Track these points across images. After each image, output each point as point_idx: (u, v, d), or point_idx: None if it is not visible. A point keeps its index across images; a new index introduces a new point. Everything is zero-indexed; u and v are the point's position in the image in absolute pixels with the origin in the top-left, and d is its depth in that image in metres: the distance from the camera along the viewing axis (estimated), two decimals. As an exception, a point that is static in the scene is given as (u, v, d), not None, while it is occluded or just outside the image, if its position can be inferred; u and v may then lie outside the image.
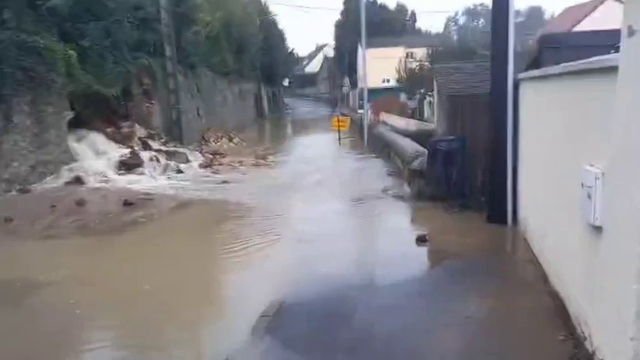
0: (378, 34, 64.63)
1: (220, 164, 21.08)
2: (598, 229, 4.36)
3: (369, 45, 43.72)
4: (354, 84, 61.76)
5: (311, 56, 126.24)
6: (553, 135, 6.56)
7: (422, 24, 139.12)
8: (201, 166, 20.61)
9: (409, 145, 15.66)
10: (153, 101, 23.52)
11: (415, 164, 13.07)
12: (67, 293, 7.65)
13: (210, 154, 22.85)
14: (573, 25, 37.69)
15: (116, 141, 19.45)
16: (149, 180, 17.28)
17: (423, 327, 5.82)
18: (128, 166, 17.86)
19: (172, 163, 19.58)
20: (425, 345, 5.41)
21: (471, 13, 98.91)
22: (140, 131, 21.45)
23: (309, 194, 14.48)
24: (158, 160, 19.18)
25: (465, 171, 11.27)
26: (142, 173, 17.82)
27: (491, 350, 5.25)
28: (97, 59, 19.52)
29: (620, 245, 3.74)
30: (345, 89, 79.82)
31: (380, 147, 22.13)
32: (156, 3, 24.12)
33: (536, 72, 8.01)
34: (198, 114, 30.15)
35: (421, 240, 9.10)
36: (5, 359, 5.85)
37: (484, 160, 10.49)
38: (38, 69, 15.60)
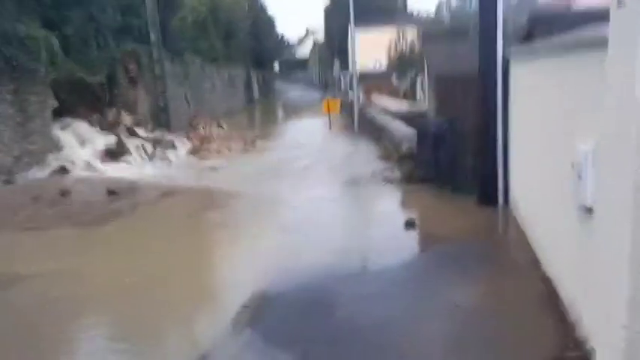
0: (368, 17, 64.26)
1: (208, 151, 20.79)
2: (589, 211, 4.15)
3: (359, 27, 43.40)
4: (344, 67, 61.40)
5: (301, 40, 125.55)
6: (543, 113, 6.35)
7: (414, 6, 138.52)
8: (188, 153, 20.37)
9: (399, 128, 15.48)
10: (139, 88, 23.20)
11: (404, 147, 12.86)
12: (46, 286, 7.44)
13: (198, 140, 22.55)
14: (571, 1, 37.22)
15: (101, 129, 19.09)
16: (135, 168, 17.00)
17: (410, 316, 5.63)
18: (114, 154, 17.56)
19: (159, 151, 19.28)
20: (411, 335, 5.21)
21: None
22: (126, 119, 21.11)
23: (297, 180, 14.23)
24: (144, 148, 18.89)
25: (454, 153, 11.04)
26: (127, 162, 17.52)
27: (480, 338, 5.06)
28: (81, 46, 19.29)
29: (611, 228, 3.52)
30: (335, 72, 79.46)
31: (371, 130, 21.89)
32: (140, -12, 23.77)
33: (524, 48, 7.80)
34: (186, 100, 29.82)
35: (409, 224, 8.90)
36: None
37: (474, 141, 10.26)
38: (21, 57, 15.27)
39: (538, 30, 9.21)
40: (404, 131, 14.24)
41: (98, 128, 18.99)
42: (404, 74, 42.85)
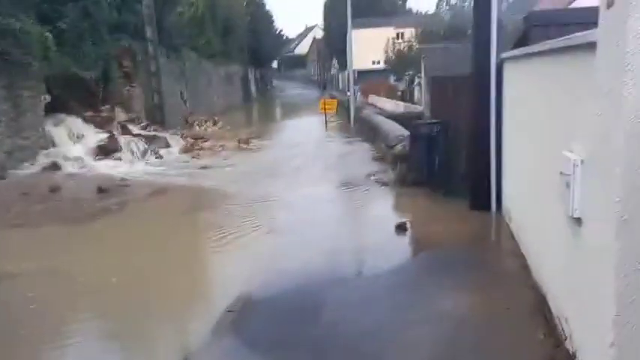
0: (367, 15, 64.14)
1: (201, 149, 20.66)
2: (577, 221, 4.03)
3: (359, 26, 43.16)
4: (343, 65, 61.32)
5: (300, 37, 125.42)
6: (533, 118, 6.26)
7: (413, 4, 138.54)
8: (181, 151, 20.24)
9: (393, 129, 15.35)
10: (134, 84, 23.11)
11: (398, 149, 12.75)
12: (29, 284, 7.35)
13: (192, 138, 22.43)
14: (569, 3, 37.01)
15: (95, 125, 19.02)
16: (126, 165, 16.93)
17: (395, 324, 5.50)
18: (106, 151, 17.47)
19: (151, 148, 19.16)
20: (395, 343, 5.09)
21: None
22: (120, 115, 21.06)
23: (290, 181, 14.08)
24: (137, 145, 18.77)
25: (448, 156, 10.93)
26: (119, 159, 17.45)
27: (465, 350, 4.94)
28: (75, 41, 19.11)
29: (599, 240, 3.41)
30: (333, 71, 79.37)
31: (366, 130, 21.78)
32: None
33: (517, 51, 7.68)
34: (181, 97, 29.75)
35: (401, 228, 8.79)
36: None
37: (467, 144, 10.15)
38: (14, 52, 15.14)
39: (533, 34, 9.11)
40: (398, 132, 14.10)
41: (91, 124, 18.87)
42: (402, 74, 42.79)
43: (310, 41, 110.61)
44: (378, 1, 76.08)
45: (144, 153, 18.65)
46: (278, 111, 51.87)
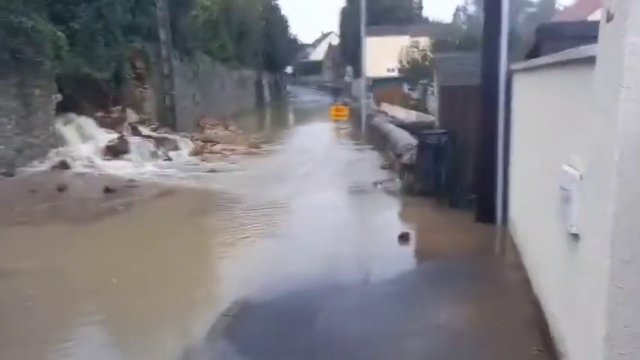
0: (383, 23, 64.15)
1: (211, 152, 20.66)
2: (575, 237, 3.97)
3: (374, 33, 43.02)
4: (357, 73, 61.35)
5: (316, 44, 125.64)
6: (538, 131, 6.20)
7: (430, 13, 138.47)
8: (191, 153, 20.25)
9: (403, 138, 15.29)
10: (146, 86, 23.19)
11: (406, 158, 12.68)
12: (28, 282, 7.37)
13: (202, 141, 22.44)
14: (587, 16, 36.87)
15: (105, 126, 19.12)
16: (135, 166, 16.96)
17: (391, 334, 5.44)
18: (115, 151, 17.53)
19: (161, 150, 19.21)
20: (389, 354, 5.04)
21: (481, 2, 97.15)
22: (131, 116, 21.12)
23: (297, 186, 14.05)
24: (146, 147, 18.81)
25: (455, 167, 10.86)
26: (128, 159, 17.48)
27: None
28: (88, 42, 19.17)
29: (593, 257, 3.35)
30: (347, 78, 79.36)
31: (376, 138, 21.73)
32: (150, -15, 23.77)
33: (523, 63, 7.62)
34: (194, 100, 29.81)
35: (403, 238, 8.73)
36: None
37: (475, 156, 10.08)
38: (26, 51, 15.23)
39: (544, 46, 9.03)
40: (407, 141, 14.04)
41: (102, 125, 18.95)
42: (416, 83, 42.69)
43: (326, 48, 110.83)
44: (394, 9, 76.21)
45: (153, 155, 18.69)
46: (290, 116, 51.92)
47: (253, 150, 21.53)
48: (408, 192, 11.96)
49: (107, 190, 12.91)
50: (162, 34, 24.14)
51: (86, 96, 18.84)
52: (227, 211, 11.55)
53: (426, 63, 40.66)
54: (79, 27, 18.66)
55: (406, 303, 6.33)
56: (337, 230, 9.85)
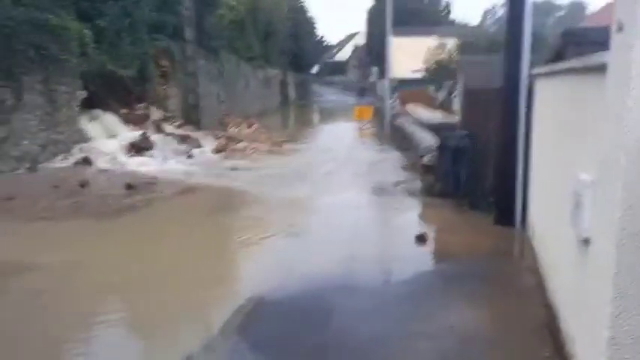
0: (410, 24, 63.96)
1: (233, 150, 20.76)
2: (586, 242, 3.95)
3: (400, 34, 42.74)
4: (382, 73, 61.33)
5: (342, 44, 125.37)
6: (555, 135, 6.16)
7: (458, 15, 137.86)
8: (213, 151, 20.35)
9: (425, 139, 15.24)
10: (170, 84, 23.36)
11: (426, 159, 12.65)
12: (51, 277, 7.50)
13: (225, 139, 22.54)
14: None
15: (129, 123, 19.32)
16: (157, 163, 17.09)
17: (402, 335, 5.43)
18: (138, 148, 17.68)
19: (184, 147, 19.36)
20: (399, 355, 5.04)
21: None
22: (155, 114, 21.32)
23: (317, 186, 14.07)
24: (169, 144, 18.97)
25: (475, 169, 10.81)
26: (151, 156, 17.65)
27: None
28: (114, 39, 19.40)
29: (601, 262, 3.34)
30: (373, 78, 79.23)
31: (399, 139, 21.70)
32: (177, -15, 23.95)
33: (544, 67, 7.58)
34: (218, 99, 29.95)
35: (420, 239, 8.70)
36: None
37: (495, 158, 10.02)
38: (51, 47, 15.45)
39: (568, 51, 8.94)
40: (429, 143, 14.00)
41: (126, 122, 19.13)
42: (441, 84, 42.50)
43: (352, 48, 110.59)
44: (421, 11, 75.92)
45: (176, 152, 18.83)
46: (314, 116, 51.92)
47: (276, 149, 21.60)
48: (428, 193, 11.95)
49: (129, 186, 13.04)
50: (188, 33, 24.32)
51: (111, 93, 19.05)
52: (247, 209, 11.66)
53: (452, 65, 40.47)
54: (105, 25, 18.87)
55: (419, 304, 6.32)
56: (355, 230, 9.84)
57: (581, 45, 8.86)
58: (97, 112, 18.36)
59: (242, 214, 11.42)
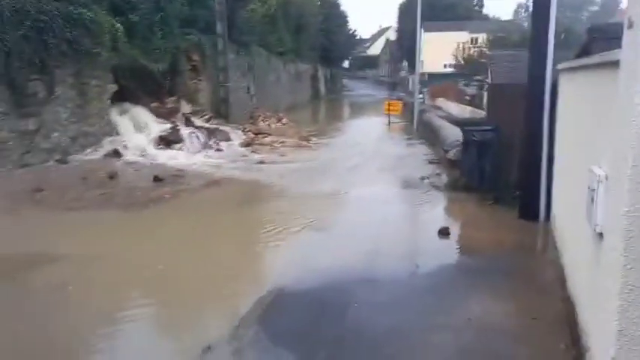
0: (442, 19, 63.70)
1: (261, 144, 20.87)
2: (600, 236, 3.95)
3: (432, 29, 42.57)
4: (413, 68, 61.18)
5: (373, 38, 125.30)
6: (575, 130, 6.15)
7: (490, 10, 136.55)
8: (241, 145, 20.51)
9: (452, 133, 15.21)
10: (201, 78, 23.54)
11: (452, 154, 12.63)
12: (76, 267, 7.65)
13: (253, 133, 22.67)
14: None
15: (159, 116, 19.51)
16: (186, 156, 17.30)
17: (420, 327, 5.48)
18: (167, 141, 17.88)
19: (212, 141, 19.54)
20: (417, 347, 5.09)
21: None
22: (185, 107, 21.51)
23: (343, 180, 14.08)
24: (198, 137, 19.14)
25: (499, 163, 10.77)
26: (180, 149, 17.84)
27: (482, 356, 4.90)
28: (146, 34, 19.57)
29: (612, 256, 3.36)
30: (404, 73, 79.02)
31: (427, 133, 21.66)
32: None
33: (567, 63, 7.55)
34: (248, 92, 30.11)
35: (443, 233, 8.72)
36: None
37: (520, 153, 9.97)
38: (84, 41, 15.63)
39: (595, 46, 8.86)
40: (457, 137, 13.95)
41: (156, 115, 19.33)
42: (471, 79, 42.25)
43: (383, 42, 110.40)
44: (453, 5, 75.49)
45: (204, 145, 19.01)
46: (344, 110, 51.94)
47: (304, 143, 21.68)
48: (453, 187, 11.97)
49: (156, 178, 13.21)
50: (219, 27, 24.46)
51: (141, 86, 19.26)
52: (272, 203, 11.76)
53: (482, 59, 40.24)
54: (137, 19, 19.06)
55: (439, 297, 6.33)
56: (378, 223, 9.85)
57: (606, 40, 8.82)
58: (127, 105, 18.58)
59: (268, 207, 11.53)
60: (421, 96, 38.86)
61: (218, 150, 19.04)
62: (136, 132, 17.93)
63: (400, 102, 32.94)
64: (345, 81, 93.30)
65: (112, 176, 13.16)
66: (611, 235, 3.44)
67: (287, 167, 16.20)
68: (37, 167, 13.58)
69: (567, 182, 6.88)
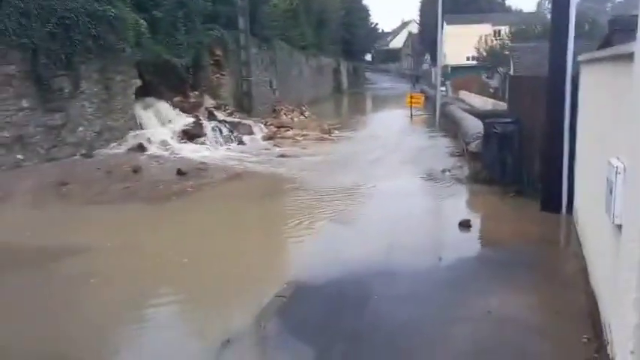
0: (465, 12, 63.25)
1: (283, 137, 20.96)
2: (619, 228, 3.96)
3: (455, 22, 42.34)
4: (435, 60, 60.88)
5: (395, 32, 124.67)
6: (596, 122, 6.14)
7: (513, 1, 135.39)
8: (264, 138, 20.62)
9: (474, 126, 15.15)
10: (223, 72, 23.65)
11: (473, 146, 12.61)
12: (101, 259, 7.81)
13: (275, 126, 22.74)
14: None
15: (183, 110, 19.66)
16: (209, 150, 17.48)
17: (440, 320, 5.51)
18: (190, 135, 18.03)
19: (234, 135, 19.65)
20: (434, 340, 5.11)
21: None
22: (208, 102, 21.63)
23: (365, 173, 14.07)
24: (221, 131, 19.28)
25: (521, 155, 10.74)
26: (202, 143, 18.00)
27: (503, 350, 4.91)
28: (169, 29, 19.77)
29: (629, 248, 3.37)
30: (426, 66, 78.66)
31: (449, 125, 21.58)
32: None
33: (586, 55, 7.51)
34: (270, 86, 30.21)
35: (464, 225, 8.72)
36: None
37: (541, 145, 9.94)
38: (108, 37, 15.82)
39: (616, 38, 8.83)
40: (478, 130, 13.91)
41: (179, 109, 19.48)
42: (494, 71, 42.01)
43: (405, 36, 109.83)
44: (476, -2, 74.85)
45: (227, 139, 19.16)
46: (367, 103, 51.86)
47: (325, 136, 21.72)
48: (475, 180, 11.94)
49: (180, 172, 13.34)
50: (242, 23, 24.59)
51: (165, 81, 19.40)
52: (294, 196, 11.83)
53: (505, 52, 39.98)
54: (160, 15, 19.24)
55: (459, 289, 6.33)
56: (399, 216, 9.87)
57: (627, 32, 8.78)
58: (151, 99, 18.76)
59: (289, 200, 11.61)
60: (444, 89, 38.75)
61: (240, 143, 19.17)
62: (160, 126, 18.09)
63: (422, 95, 32.84)
64: (367, 74, 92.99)
65: (136, 170, 13.31)
66: (629, 227, 3.45)
67: (309, 160, 16.29)
68: (62, 161, 13.80)
69: (588, 174, 6.87)
